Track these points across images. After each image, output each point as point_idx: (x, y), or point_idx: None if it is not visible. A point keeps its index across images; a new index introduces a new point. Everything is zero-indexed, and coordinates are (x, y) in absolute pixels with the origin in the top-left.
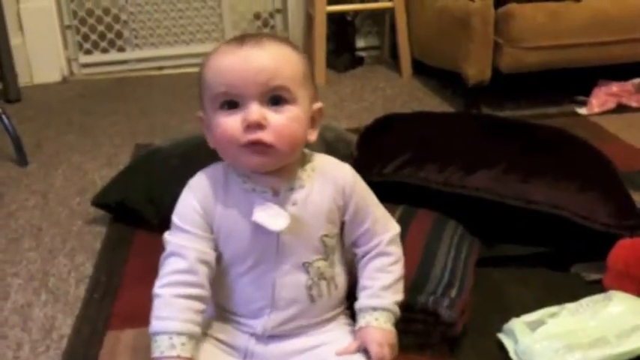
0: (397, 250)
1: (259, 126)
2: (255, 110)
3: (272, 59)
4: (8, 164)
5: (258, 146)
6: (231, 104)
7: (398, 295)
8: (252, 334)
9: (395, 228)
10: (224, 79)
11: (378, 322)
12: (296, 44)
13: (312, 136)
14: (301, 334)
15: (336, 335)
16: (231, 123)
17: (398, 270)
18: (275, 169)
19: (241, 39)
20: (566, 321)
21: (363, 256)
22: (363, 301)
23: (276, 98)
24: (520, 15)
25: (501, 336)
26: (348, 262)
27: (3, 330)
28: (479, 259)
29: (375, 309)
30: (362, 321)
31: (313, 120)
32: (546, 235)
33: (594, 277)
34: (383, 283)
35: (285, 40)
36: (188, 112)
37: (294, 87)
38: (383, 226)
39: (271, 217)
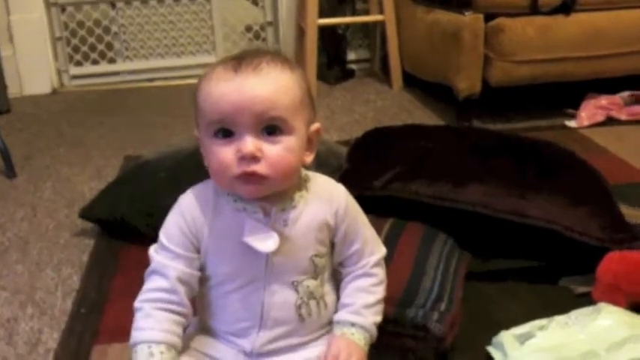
0: (381, 273)
1: (254, 158)
2: (250, 142)
3: (269, 89)
4: None
5: (252, 177)
6: (226, 132)
7: (377, 317)
8: (241, 351)
9: (381, 251)
10: (218, 108)
11: (354, 337)
12: (295, 63)
13: (309, 158)
14: (291, 351)
15: (318, 352)
16: (225, 153)
17: (380, 291)
18: (269, 194)
19: (238, 62)
20: (555, 334)
21: (347, 275)
22: (342, 315)
23: (271, 128)
24: (510, 29)
25: (490, 349)
26: (337, 281)
27: None
28: (467, 273)
29: (353, 324)
30: (338, 331)
31: (310, 142)
32: (536, 249)
33: (583, 289)
34: (365, 301)
35: (285, 61)
36: (178, 124)
37: (290, 116)
38: (371, 249)
39: (261, 238)
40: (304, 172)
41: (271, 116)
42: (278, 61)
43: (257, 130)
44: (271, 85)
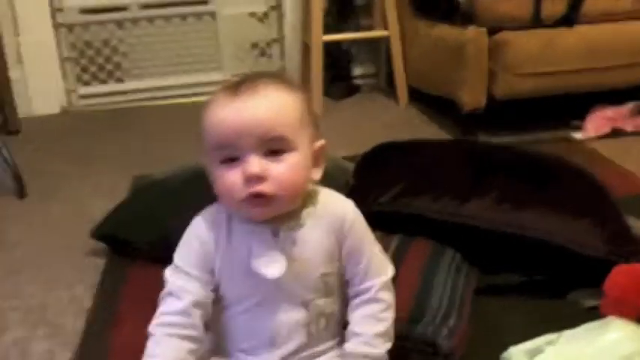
0: (389, 297)
1: (259, 178)
2: (255, 163)
3: (268, 110)
4: (7, 196)
5: (259, 199)
6: (230, 156)
7: (389, 343)
8: None
9: (388, 272)
10: (220, 135)
11: None
12: (294, 81)
13: (317, 174)
14: None
15: None
16: (231, 178)
17: (389, 317)
18: (278, 214)
19: (237, 86)
20: (564, 349)
21: (354, 297)
22: (353, 346)
23: (274, 147)
24: (514, 42)
25: None
26: (343, 294)
27: None
28: (475, 288)
29: (366, 356)
30: None
31: (316, 158)
32: (542, 263)
33: (591, 303)
34: (375, 330)
35: (283, 81)
36: (186, 142)
37: (292, 134)
38: (377, 269)
39: (267, 263)
40: (313, 188)
41: (273, 136)
42: (275, 81)
43: (261, 151)
44: (270, 106)
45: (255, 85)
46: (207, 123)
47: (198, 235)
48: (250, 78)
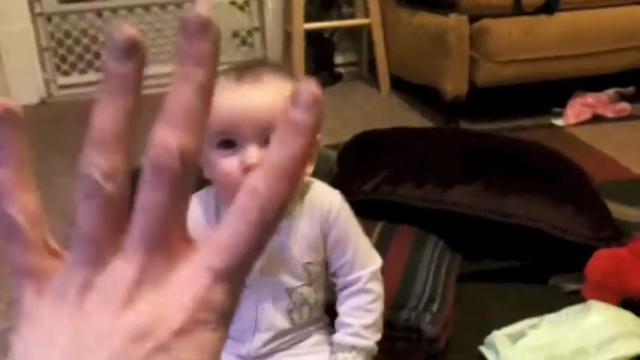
0: (378, 287)
1: None
2: (254, 155)
3: (271, 99)
4: None
5: None
6: (229, 143)
7: (378, 335)
8: (239, 356)
9: (376, 262)
10: (221, 120)
11: None
12: (294, 72)
13: (309, 169)
14: (284, 350)
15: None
16: (228, 164)
17: (378, 308)
18: None
19: (240, 73)
20: (546, 332)
21: (343, 289)
22: (342, 337)
23: None
24: (495, 30)
25: (483, 349)
26: (329, 284)
27: None
28: (459, 274)
29: (354, 347)
30: (340, 356)
31: (310, 153)
32: (525, 249)
33: (573, 288)
34: (364, 322)
35: (285, 71)
36: None
37: None
38: (364, 260)
39: None
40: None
41: (274, 126)
42: (278, 71)
43: (260, 141)
44: (273, 96)
45: (259, 73)
46: None
47: (189, 217)
48: (252, 66)
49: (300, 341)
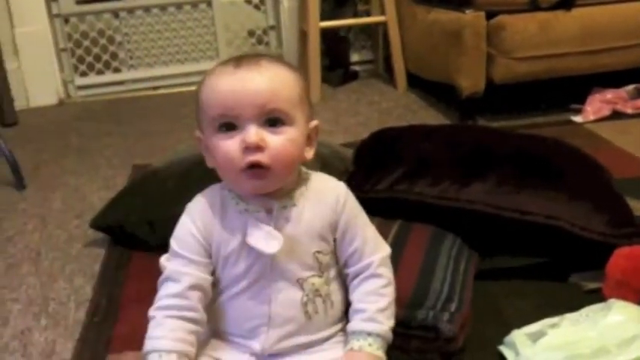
0: (388, 273)
1: (258, 148)
2: (254, 132)
3: (269, 82)
4: (6, 188)
5: (256, 170)
6: (229, 126)
7: (392, 320)
8: (252, 354)
9: (385, 249)
10: (221, 102)
11: (372, 347)
12: (292, 64)
13: (309, 154)
14: (300, 352)
15: (333, 355)
16: (230, 146)
17: (391, 293)
18: (273, 190)
19: (238, 60)
20: (566, 331)
21: (354, 277)
22: (357, 324)
23: (273, 120)
24: (511, 26)
25: (502, 349)
26: (344, 283)
27: (3, 356)
28: (476, 273)
29: (369, 334)
30: (355, 344)
31: (309, 138)
32: (543, 246)
33: (593, 286)
34: (378, 306)
35: (282, 61)
36: (184, 131)
37: (290, 109)
38: (373, 247)
39: (263, 239)
40: (304, 170)
41: (273, 108)
42: (276, 59)
43: (260, 122)
44: (272, 79)
45: (257, 60)
46: (206, 92)
47: (193, 220)
48: (249, 55)
49: (315, 345)
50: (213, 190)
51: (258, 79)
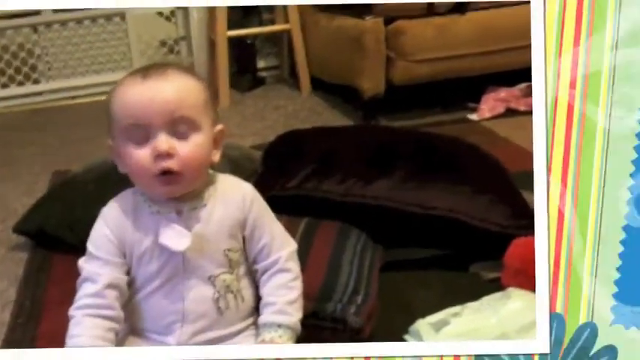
0: (296, 267)
1: (168, 155)
2: (164, 140)
3: (175, 91)
4: None
5: (167, 176)
6: (140, 135)
7: (300, 313)
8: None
9: (292, 245)
10: (131, 112)
11: (282, 339)
12: (198, 72)
13: (216, 157)
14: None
15: None
16: (141, 154)
17: (299, 286)
18: (184, 193)
19: (146, 71)
20: (468, 320)
21: (264, 273)
22: (267, 316)
23: (181, 127)
24: (409, 30)
25: (407, 338)
26: (254, 279)
27: None
28: (382, 265)
29: (280, 326)
30: (266, 336)
31: (216, 141)
32: (445, 238)
33: (493, 275)
34: (287, 299)
35: (188, 69)
36: (102, 138)
37: (197, 115)
38: (280, 243)
39: (174, 237)
40: (211, 172)
41: (180, 115)
42: (181, 69)
43: (169, 130)
44: (178, 88)
45: (163, 70)
46: (116, 104)
47: (107, 222)
48: (157, 65)
49: (227, 339)
50: (126, 194)
51: (165, 88)
